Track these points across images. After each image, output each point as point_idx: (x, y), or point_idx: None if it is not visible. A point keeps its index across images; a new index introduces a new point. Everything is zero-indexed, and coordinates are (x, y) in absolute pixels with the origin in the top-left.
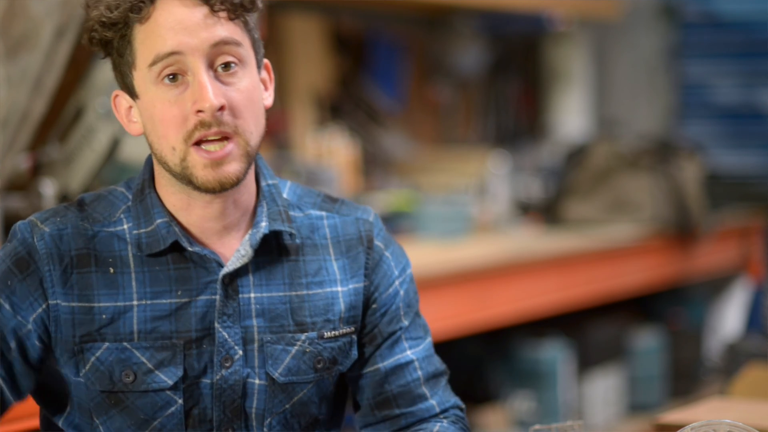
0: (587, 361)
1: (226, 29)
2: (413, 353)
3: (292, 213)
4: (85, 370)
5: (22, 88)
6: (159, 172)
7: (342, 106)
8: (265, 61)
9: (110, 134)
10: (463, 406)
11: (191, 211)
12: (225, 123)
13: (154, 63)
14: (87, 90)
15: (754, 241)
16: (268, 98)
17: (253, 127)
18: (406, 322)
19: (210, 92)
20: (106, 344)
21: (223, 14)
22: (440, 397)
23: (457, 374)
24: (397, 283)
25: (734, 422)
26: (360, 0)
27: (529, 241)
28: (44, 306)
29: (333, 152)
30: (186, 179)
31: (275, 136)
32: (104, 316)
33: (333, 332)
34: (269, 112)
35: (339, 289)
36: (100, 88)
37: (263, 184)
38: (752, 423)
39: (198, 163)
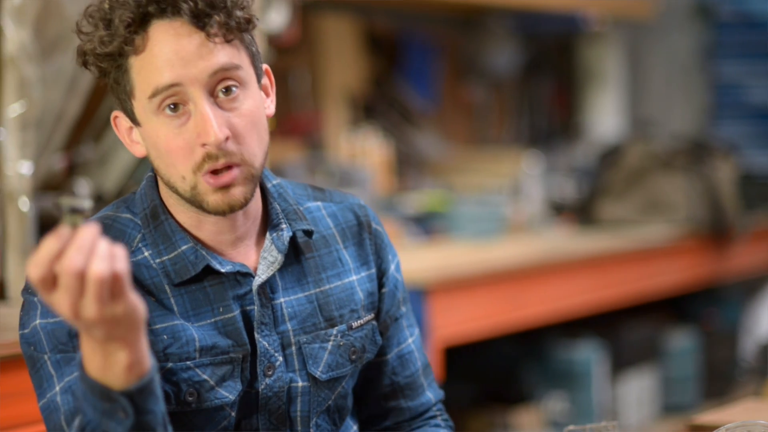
0: (621, 362)
1: (224, 54)
2: (413, 342)
3: None
4: None
5: (57, 89)
6: (167, 193)
7: (375, 107)
8: (264, 66)
9: None
10: (443, 397)
11: (202, 228)
12: (230, 153)
13: (153, 95)
14: None
15: None
16: (271, 106)
17: (257, 149)
18: (404, 309)
19: (214, 125)
20: (170, 365)
21: (219, 39)
22: (434, 389)
23: (491, 375)
24: (393, 266)
25: None
26: (394, 0)
27: (563, 241)
28: None
29: (367, 152)
30: (197, 204)
31: (309, 137)
32: (165, 337)
33: (359, 321)
34: (303, 113)
35: (354, 278)
36: None
37: (269, 185)
38: None
39: (207, 189)
